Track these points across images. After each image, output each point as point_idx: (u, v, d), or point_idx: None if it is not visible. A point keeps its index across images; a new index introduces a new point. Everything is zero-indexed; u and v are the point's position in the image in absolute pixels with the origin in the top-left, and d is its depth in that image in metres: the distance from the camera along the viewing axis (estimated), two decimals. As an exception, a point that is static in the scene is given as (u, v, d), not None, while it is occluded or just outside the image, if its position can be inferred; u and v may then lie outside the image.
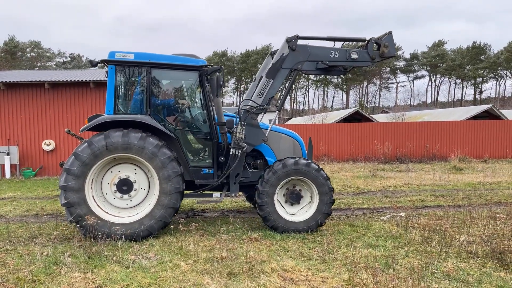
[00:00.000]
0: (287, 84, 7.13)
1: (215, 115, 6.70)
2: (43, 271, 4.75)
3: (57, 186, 10.38)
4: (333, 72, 7.52)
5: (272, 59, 6.97)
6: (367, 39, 7.11)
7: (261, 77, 6.96)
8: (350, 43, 8.55)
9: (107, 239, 5.79)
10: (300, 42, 6.84)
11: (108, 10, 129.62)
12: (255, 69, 78.03)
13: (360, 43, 7.33)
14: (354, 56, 6.91)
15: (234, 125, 6.56)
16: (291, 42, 6.70)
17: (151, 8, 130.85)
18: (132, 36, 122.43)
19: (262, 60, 78.25)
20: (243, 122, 6.59)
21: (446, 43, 76.03)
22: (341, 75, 7.79)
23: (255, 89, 6.95)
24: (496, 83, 77.13)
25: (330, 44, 7.07)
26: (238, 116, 6.75)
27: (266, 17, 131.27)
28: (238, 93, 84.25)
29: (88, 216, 5.79)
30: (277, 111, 7.19)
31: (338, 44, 7.17)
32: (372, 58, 6.98)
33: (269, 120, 7.81)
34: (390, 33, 7.05)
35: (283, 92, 7.30)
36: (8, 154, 14.39)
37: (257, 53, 78.74)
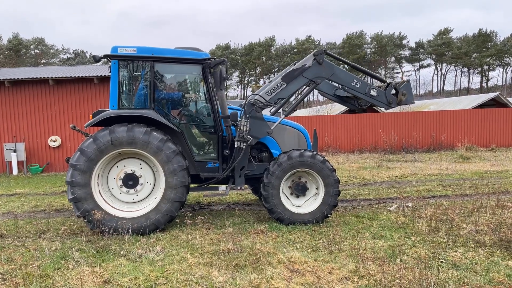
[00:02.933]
0: (300, 93, 7.13)
1: (219, 108, 6.69)
2: (51, 266, 4.80)
3: (64, 182, 10.46)
4: (348, 104, 7.72)
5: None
6: (388, 82, 7.19)
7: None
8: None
9: (114, 233, 5.84)
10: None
11: (110, 5, 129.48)
12: (258, 62, 77.73)
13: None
14: (373, 93, 6.93)
15: (239, 118, 6.55)
16: (318, 56, 6.76)
17: (153, 2, 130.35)
18: (135, 31, 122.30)
19: (266, 52, 78.01)
20: (247, 115, 6.57)
21: (452, 31, 75.11)
22: (355, 110, 7.87)
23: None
24: (503, 71, 76.23)
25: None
26: (242, 109, 6.74)
27: (269, 8, 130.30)
28: (242, 86, 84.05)
29: (95, 210, 5.84)
30: (283, 116, 7.14)
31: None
32: (389, 102, 6.99)
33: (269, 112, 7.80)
34: (408, 81, 7.14)
35: (295, 99, 7.32)
36: (15, 151, 14.50)
37: (260, 45, 78.36)
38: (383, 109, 7.30)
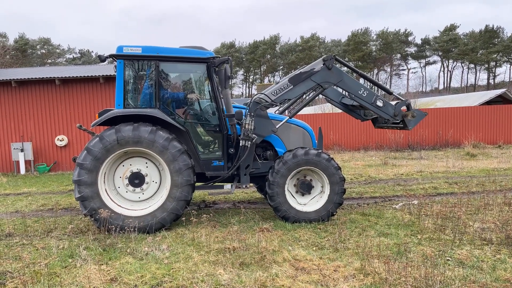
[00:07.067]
0: (307, 96, 7.14)
1: (224, 107, 6.70)
2: (59, 264, 4.85)
3: (71, 180, 10.55)
4: (353, 113, 7.78)
5: None
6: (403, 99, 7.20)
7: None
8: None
9: (120, 231, 5.88)
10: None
11: (112, 4, 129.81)
12: (263, 60, 77.63)
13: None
14: (379, 103, 6.92)
15: (243, 117, 6.56)
16: (327, 61, 6.78)
17: (153, 1, 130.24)
18: (137, 30, 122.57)
19: (270, 50, 77.88)
20: (252, 114, 6.58)
21: (458, 27, 74.46)
22: (360, 120, 7.88)
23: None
24: (510, 67, 75.48)
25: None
26: (247, 107, 6.75)
27: (273, 5, 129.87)
28: (247, 84, 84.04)
29: (102, 209, 5.89)
30: (288, 117, 7.15)
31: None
32: (395, 114, 6.97)
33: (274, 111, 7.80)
34: (426, 114, 7.16)
35: (300, 101, 7.33)
36: (22, 150, 14.63)
37: (265, 43, 78.28)
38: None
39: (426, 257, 4.73)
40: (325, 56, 6.88)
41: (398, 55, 77.59)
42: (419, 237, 5.64)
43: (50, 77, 14.60)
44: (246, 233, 5.91)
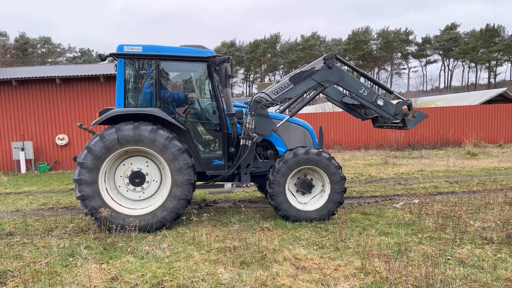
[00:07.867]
0: (307, 95, 7.14)
1: (225, 106, 6.70)
2: (59, 263, 4.86)
3: (71, 179, 10.55)
4: (354, 113, 7.76)
5: None
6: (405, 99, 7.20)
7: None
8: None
9: (121, 230, 5.88)
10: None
11: (113, 4, 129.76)
12: (264, 59, 77.55)
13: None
14: (380, 102, 6.90)
15: (244, 116, 6.56)
16: (328, 60, 6.76)
17: (153, 0, 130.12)
18: (138, 29, 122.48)
19: (271, 49, 77.80)
20: (252, 113, 6.58)
21: (459, 26, 74.37)
22: (361, 119, 7.87)
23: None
24: (511, 66, 75.38)
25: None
26: (248, 106, 6.75)
27: (273, 4, 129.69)
28: (247, 84, 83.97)
29: (102, 208, 5.89)
30: (288, 116, 7.15)
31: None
32: (395, 113, 6.95)
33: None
34: (426, 116, 7.17)
35: (301, 100, 7.33)
36: (23, 149, 14.64)
37: (265, 42, 78.22)
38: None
39: (427, 256, 4.73)
40: (325, 55, 6.87)
41: (399, 54, 77.48)
42: (420, 236, 5.64)
43: (51, 76, 14.60)
44: (246, 232, 5.91)
